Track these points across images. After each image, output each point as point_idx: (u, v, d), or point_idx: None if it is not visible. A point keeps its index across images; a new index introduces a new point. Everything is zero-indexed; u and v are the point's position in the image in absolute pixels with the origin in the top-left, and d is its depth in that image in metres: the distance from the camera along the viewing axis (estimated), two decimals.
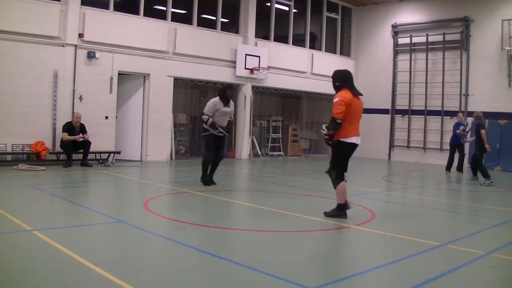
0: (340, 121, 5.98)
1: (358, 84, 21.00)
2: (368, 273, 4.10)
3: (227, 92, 8.69)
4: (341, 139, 6.11)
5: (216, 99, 8.65)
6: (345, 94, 6.08)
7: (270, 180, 10.52)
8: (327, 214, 6.31)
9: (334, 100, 6.13)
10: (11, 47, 10.72)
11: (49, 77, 11.31)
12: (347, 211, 6.31)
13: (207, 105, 8.64)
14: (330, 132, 6.13)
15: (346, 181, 6.35)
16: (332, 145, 6.28)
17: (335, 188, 6.25)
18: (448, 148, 14.26)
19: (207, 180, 8.67)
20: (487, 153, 11.41)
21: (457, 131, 13.37)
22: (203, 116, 8.56)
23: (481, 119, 11.68)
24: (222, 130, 8.53)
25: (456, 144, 13.55)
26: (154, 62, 13.19)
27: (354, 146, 6.26)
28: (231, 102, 8.77)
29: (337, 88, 6.30)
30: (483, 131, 11.01)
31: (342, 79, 6.31)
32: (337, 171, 6.26)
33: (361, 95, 6.36)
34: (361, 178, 12.25)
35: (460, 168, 13.51)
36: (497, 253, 4.84)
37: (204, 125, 8.57)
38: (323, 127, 6.32)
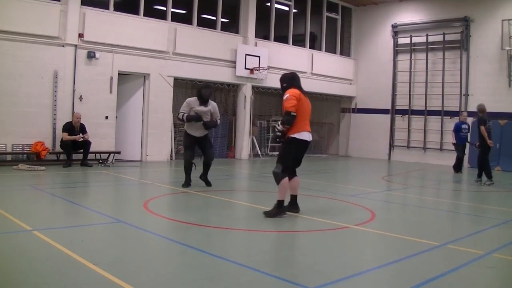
0: (294, 114, 5.99)
1: (358, 84, 21.08)
2: (368, 273, 4.10)
3: (202, 91, 8.42)
4: (294, 136, 6.07)
5: (193, 98, 8.53)
6: (294, 90, 6.19)
7: (270, 180, 10.44)
8: (267, 214, 6.11)
9: (284, 97, 6.16)
10: (11, 47, 10.72)
11: (49, 77, 11.31)
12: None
13: (183, 104, 8.53)
14: (284, 128, 6.08)
15: (297, 176, 6.41)
16: (285, 142, 6.20)
17: (277, 183, 6.10)
18: (453, 148, 14.04)
19: (186, 181, 8.43)
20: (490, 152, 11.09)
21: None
22: (178, 115, 8.49)
23: (484, 112, 11.11)
24: (203, 123, 8.29)
25: (463, 144, 13.33)
26: (154, 62, 13.19)
27: (306, 143, 6.22)
28: (211, 102, 8.49)
29: (285, 89, 6.35)
30: (482, 128, 10.66)
31: (289, 80, 6.40)
32: (283, 166, 6.13)
33: (307, 94, 6.49)
34: (361, 178, 12.26)
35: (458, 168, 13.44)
36: (497, 253, 4.84)
37: (185, 122, 8.39)
38: (276, 125, 6.30)
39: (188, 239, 4.98)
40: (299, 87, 6.34)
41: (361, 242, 5.34)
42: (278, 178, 6.09)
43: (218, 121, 8.65)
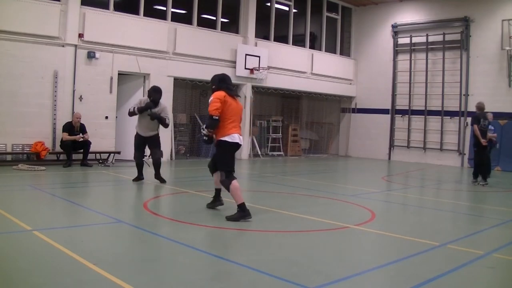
0: (217, 118, 5.89)
1: (358, 84, 21.06)
2: (368, 273, 4.10)
3: (153, 96, 8.60)
4: (225, 139, 5.97)
5: (144, 97, 8.92)
6: (219, 93, 6.04)
7: (270, 180, 10.52)
8: (229, 218, 5.92)
9: (209, 100, 6.09)
10: (11, 47, 10.72)
11: (49, 77, 11.31)
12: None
13: (135, 102, 8.90)
14: (209, 132, 6.06)
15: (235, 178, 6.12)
16: (216, 145, 6.16)
17: (228, 190, 5.96)
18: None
19: (137, 177, 8.92)
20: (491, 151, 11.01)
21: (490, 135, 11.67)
22: (129, 109, 8.73)
23: (482, 110, 11.03)
24: (150, 113, 8.48)
25: (490, 146, 12.03)
26: (154, 62, 13.19)
27: (237, 145, 6.12)
28: (161, 104, 8.72)
29: (213, 91, 6.22)
30: (474, 126, 10.62)
31: (218, 81, 6.21)
32: (225, 172, 6.02)
33: (238, 96, 6.40)
34: (361, 178, 12.26)
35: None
36: (497, 253, 4.84)
37: (136, 114, 8.63)
38: (202, 128, 6.32)
39: (188, 239, 4.98)
40: (228, 89, 6.14)
41: (361, 242, 5.34)
42: (226, 185, 5.96)
43: (167, 120, 8.84)
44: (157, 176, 8.89)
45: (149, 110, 8.52)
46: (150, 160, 9.07)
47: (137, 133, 8.88)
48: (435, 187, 11.08)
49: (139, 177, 9.00)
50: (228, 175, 5.98)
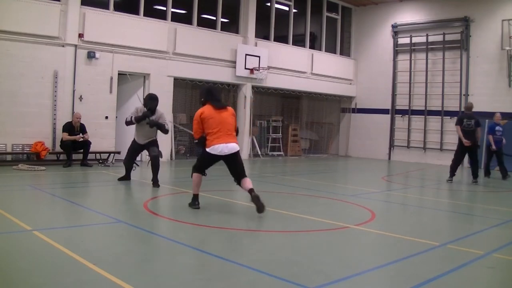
0: (196, 140, 6.50)
1: (358, 84, 21.05)
2: (368, 273, 4.10)
3: (148, 103, 8.52)
4: (206, 149, 6.36)
5: (140, 106, 8.72)
6: (200, 110, 6.44)
7: (270, 180, 10.52)
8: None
9: None
10: (11, 47, 10.72)
11: (49, 77, 11.31)
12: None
13: (131, 111, 8.80)
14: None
15: (205, 175, 6.67)
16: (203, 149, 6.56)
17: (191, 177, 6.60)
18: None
19: (124, 177, 8.95)
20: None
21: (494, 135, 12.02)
22: (126, 119, 8.63)
23: (469, 110, 11.15)
24: (148, 122, 8.43)
25: (499, 147, 12.04)
26: (154, 62, 13.19)
27: (217, 157, 6.38)
28: (158, 111, 8.62)
29: (203, 104, 6.56)
30: (457, 127, 10.85)
31: (205, 94, 6.59)
32: (194, 168, 6.62)
33: (224, 107, 6.57)
34: (361, 178, 12.26)
35: (487, 173, 12.49)
36: (497, 253, 4.84)
37: (134, 123, 8.55)
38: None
39: (188, 239, 4.98)
40: (213, 100, 6.48)
41: (361, 242, 5.34)
42: (192, 175, 6.58)
43: (167, 126, 8.77)
44: (155, 180, 8.51)
45: (147, 118, 8.40)
46: (147, 161, 8.98)
47: (134, 139, 8.82)
48: (435, 187, 11.08)
49: (126, 177, 8.94)
50: (194, 170, 6.57)
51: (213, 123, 6.30)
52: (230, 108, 6.65)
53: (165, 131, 8.77)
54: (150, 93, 9.20)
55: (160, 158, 8.73)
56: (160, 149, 8.89)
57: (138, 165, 8.86)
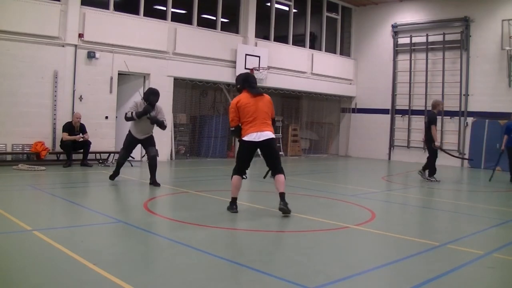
0: (233, 128, 6.42)
1: (358, 84, 21.04)
2: (368, 273, 4.10)
3: (150, 98, 8.40)
4: (242, 138, 6.40)
5: (140, 101, 8.52)
6: (236, 98, 6.41)
7: (270, 180, 10.47)
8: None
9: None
10: (11, 47, 10.72)
11: (49, 77, 11.31)
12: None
13: (131, 105, 8.59)
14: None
15: (245, 177, 6.57)
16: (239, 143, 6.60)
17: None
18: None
19: (114, 175, 8.70)
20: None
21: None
22: (126, 114, 8.40)
23: (437, 108, 11.16)
24: (150, 117, 8.32)
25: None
26: (154, 62, 13.19)
27: (254, 143, 6.39)
28: (157, 106, 8.53)
29: (239, 91, 6.54)
30: (433, 127, 10.79)
31: (242, 81, 6.51)
32: (235, 167, 6.53)
33: (261, 94, 6.47)
34: (361, 178, 12.26)
35: None
36: (497, 253, 4.84)
37: (135, 119, 8.34)
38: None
39: (188, 239, 4.98)
40: (250, 87, 6.41)
41: (361, 242, 5.34)
42: (232, 176, 6.46)
43: (165, 122, 8.64)
44: (153, 180, 8.51)
45: (148, 114, 8.31)
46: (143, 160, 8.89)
47: (130, 133, 8.59)
48: (435, 187, 11.07)
49: (117, 173, 8.76)
50: (234, 172, 6.46)
51: (249, 111, 6.25)
52: (267, 96, 6.52)
53: (164, 127, 8.69)
54: (151, 87, 8.98)
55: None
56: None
57: (132, 165, 8.75)
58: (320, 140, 20.02)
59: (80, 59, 11.78)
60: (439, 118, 16.70)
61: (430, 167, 11.22)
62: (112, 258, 4.20)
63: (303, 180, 10.91)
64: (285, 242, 5.15)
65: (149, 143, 8.67)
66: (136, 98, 9.09)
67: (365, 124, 18.83)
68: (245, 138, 6.30)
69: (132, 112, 8.36)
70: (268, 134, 6.35)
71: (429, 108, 16.96)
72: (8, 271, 3.77)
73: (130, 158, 9.06)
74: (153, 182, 8.52)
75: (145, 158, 13.04)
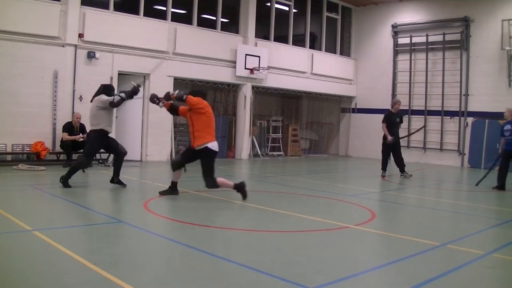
0: (183, 97, 7.20)
1: (358, 84, 20.98)
2: (368, 273, 4.10)
3: (107, 88, 8.26)
4: (208, 146, 7.17)
5: (110, 97, 8.14)
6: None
7: (270, 180, 10.52)
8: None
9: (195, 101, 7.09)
10: (11, 47, 10.72)
11: (49, 77, 11.31)
12: None
13: (101, 101, 7.99)
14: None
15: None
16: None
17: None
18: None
19: (67, 183, 7.95)
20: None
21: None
22: (115, 101, 7.98)
23: (393, 106, 12.33)
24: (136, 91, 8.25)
25: (509, 150, 9.95)
26: (154, 62, 13.18)
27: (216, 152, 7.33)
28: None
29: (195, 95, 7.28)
30: (382, 124, 11.76)
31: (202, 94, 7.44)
32: (213, 173, 7.30)
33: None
34: (361, 178, 12.26)
35: None
36: (497, 253, 4.84)
37: (126, 100, 8.18)
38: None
39: (188, 239, 4.98)
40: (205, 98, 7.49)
41: (361, 242, 5.34)
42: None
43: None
44: (118, 179, 8.25)
45: (136, 87, 8.24)
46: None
47: (102, 130, 7.97)
48: (435, 187, 11.08)
49: (120, 181, 8.40)
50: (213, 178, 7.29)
51: (213, 121, 7.34)
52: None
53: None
54: (104, 84, 8.72)
55: None
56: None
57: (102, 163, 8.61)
58: (320, 140, 20.02)
59: (80, 59, 11.78)
60: (439, 118, 16.77)
61: (383, 163, 12.11)
62: (112, 258, 4.20)
63: (303, 180, 10.91)
64: (285, 242, 5.15)
65: (114, 142, 8.35)
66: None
67: (365, 124, 18.82)
68: (213, 148, 7.11)
69: (120, 96, 8.03)
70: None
71: (429, 108, 17.07)
72: (8, 271, 3.77)
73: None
74: (120, 182, 8.29)
75: (149, 158, 13.12)
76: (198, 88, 15.69)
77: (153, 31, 13.14)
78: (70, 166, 8.53)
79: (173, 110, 7.65)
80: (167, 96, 7.38)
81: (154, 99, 7.61)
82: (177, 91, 7.36)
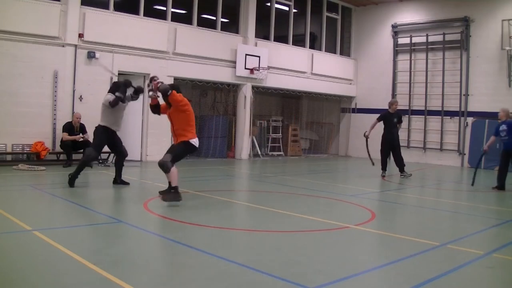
0: (167, 92, 6.93)
1: (358, 84, 21.03)
2: (368, 273, 4.10)
3: (121, 84, 8.21)
4: (190, 140, 7.07)
5: (110, 95, 8.15)
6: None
7: (270, 180, 10.52)
8: (166, 198, 6.87)
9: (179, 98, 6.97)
10: (11, 47, 10.72)
11: (49, 77, 11.32)
12: None
13: (105, 99, 8.08)
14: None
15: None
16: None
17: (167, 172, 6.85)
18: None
19: (73, 182, 8.03)
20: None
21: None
22: (112, 101, 7.91)
23: (390, 107, 12.47)
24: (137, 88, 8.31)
25: (506, 149, 10.04)
26: (154, 62, 13.19)
27: (195, 147, 7.24)
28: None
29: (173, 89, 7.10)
30: (375, 121, 12.13)
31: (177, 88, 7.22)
32: (174, 159, 7.01)
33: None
34: (361, 178, 12.26)
35: None
36: (497, 253, 4.84)
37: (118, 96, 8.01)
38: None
39: (188, 239, 4.99)
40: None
41: (361, 242, 5.34)
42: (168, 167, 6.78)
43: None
44: (120, 179, 8.45)
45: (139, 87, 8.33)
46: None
47: (106, 128, 8.07)
48: (435, 187, 11.08)
49: (123, 181, 8.62)
50: (171, 164, 6.90)
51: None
52: None
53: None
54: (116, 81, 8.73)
55: None
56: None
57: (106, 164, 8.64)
58: (320, 140, 20.02)
59: (80, 59, 11.78)
60: (439, 118, 16.77)
61: (383, 163, 12.31)
62: (112, 258, 4.20)
63: (303, 180, 10.92)
64: (285, 242, 5.15)
65: (120, 142, 8.42)
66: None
67: (365, 124, 18.71)
68: (194, 143, 7.04)
69: (119, 95, 7.95)
70: None
71: (429, 108, 17.07)
72: (8, 271, 3.77)
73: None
74: (123, 181, 8.46)
75: (149, 158, 13.12)
76: (199, 88, 15.74)
77: (153, 31, 13.14)
78: (78, 162, 8.56)
79: (156, 108, 7.42)
80: (163, 90, 6.88)
81: (152, 80, 7.13)
82: (161, 83, 6.99)
